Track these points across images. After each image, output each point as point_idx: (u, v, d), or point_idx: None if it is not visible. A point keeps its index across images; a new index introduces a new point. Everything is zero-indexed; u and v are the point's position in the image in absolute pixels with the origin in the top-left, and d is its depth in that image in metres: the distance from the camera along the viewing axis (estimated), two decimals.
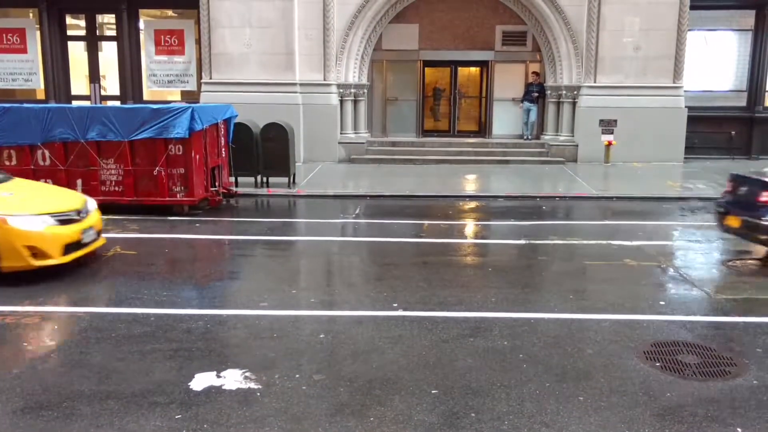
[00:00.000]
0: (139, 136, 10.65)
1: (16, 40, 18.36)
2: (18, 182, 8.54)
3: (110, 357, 5.30)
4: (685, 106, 16.89)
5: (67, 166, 10.94)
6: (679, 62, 16.79)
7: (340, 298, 7.08)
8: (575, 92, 17.16)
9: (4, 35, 18.37)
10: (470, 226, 11.09)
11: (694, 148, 17.37)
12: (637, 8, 16.56)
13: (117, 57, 18.27)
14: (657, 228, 10.48)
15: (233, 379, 4.90)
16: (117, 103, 17.70)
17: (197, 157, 10.98)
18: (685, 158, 16.98)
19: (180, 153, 10.78)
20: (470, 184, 14.64)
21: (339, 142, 17.40)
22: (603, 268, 8.28)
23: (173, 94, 18.65)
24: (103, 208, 10.90)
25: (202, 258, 8.95)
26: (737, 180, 8.46)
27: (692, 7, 16.56)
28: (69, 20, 18.79)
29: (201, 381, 4.86)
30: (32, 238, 7.11)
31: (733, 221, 8.23)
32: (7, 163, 11.02)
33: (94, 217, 8.09)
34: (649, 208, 12.12)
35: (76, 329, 5.88)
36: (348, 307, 6.57)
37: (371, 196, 12.92)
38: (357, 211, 11.76)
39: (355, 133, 17.93)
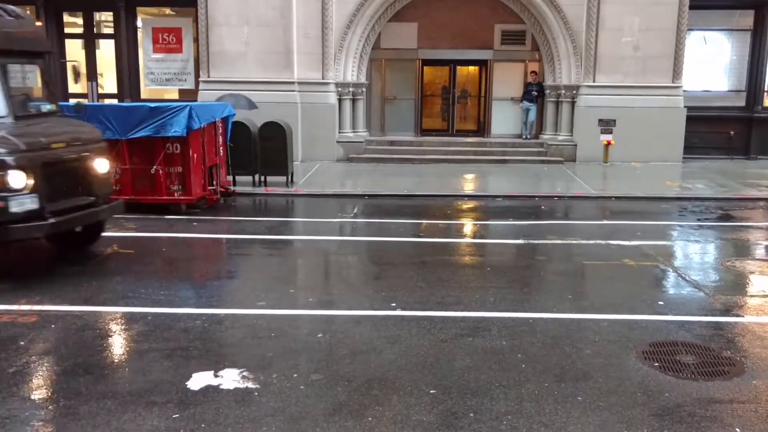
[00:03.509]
0: (137, 135, 10.61)
1: None
2: None
3: (107, 356, 5.28)
4: (684, 106, 16.89)
5: None
6: (678, 62, 16.78)
7: (338, 298, 7.06)
8: (574, 92, 17.15)
9: None
10: (469, 225, 11.07)
11: (693, 148, 17.36)
12: (636, 8, 16.54)
13: (114, 55, 18.24)
14: (656, 228, 10.47)
15: (231, 378, 4.88)
16: (114, 101, 17.65)
17: (195, 155, 10.95)
18: (684, 158, 16.98)
19: (177, 151, 10.75)
20: (469, 183, 14.63)
21: (337, 141, 17.37)
22: (602, 268, 8.27)
23: (171, 93, 18.61)
24: None
25: (199, 257, 8.93)
26: None
27: (691, 7, 16.55)
28: (66, 18, 18.73)
29: (198, 380, 4.84)
30: None
31: None
32: None
33: None
34: (647, 208, 12.12)
35: (73, 328, 5.86)
36: (346, 306, 6.55)
37: (369, 196, 12.90)
38: (355, 211, 11.74)
39: (354, 132, 17.90)
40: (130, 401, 4.53)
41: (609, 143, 16.62)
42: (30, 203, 6.94)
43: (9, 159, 6.79)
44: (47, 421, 4.28)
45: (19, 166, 6.83)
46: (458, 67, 19.22)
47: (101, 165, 8.00)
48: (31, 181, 6.91)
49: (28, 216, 6.93)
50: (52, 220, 7.13)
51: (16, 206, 6.81)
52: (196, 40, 17.58)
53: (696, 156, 17.37)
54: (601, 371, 5.06)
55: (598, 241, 9.36)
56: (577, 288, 7.59)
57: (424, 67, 19.08)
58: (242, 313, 6.25)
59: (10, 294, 6.65)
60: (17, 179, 6.81)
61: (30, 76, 8.40)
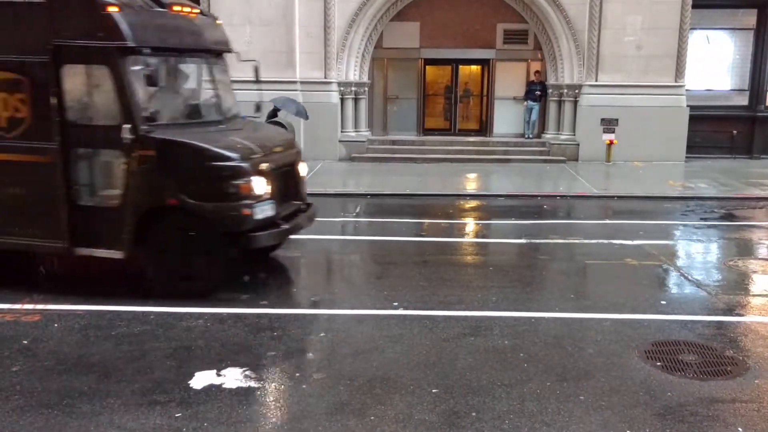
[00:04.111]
0: None
1: None
2: None
3: (110, 355, 5.29)
4: (687, 106, 16.86)
5: None
6: (680, 61, 16.74)
7: (340, 297, 7.07)
8: (577, 91, 17.12)
9: None
10: (471, 225, 11.07)
11: (696, 147, 17.32)
12: (639, 7, 16.51)
13: None
14: (658, 227, 10.46)
15: (233, 377, 4.89)
16: None
17: None
18: (686, 157, 16.94)
19: None
20: (471, 182, 14.62)
21: (339, 141, 17.37)
22: (604, 267, 8.26)
23: None
24: None
25: None
26: None
27: (694, 6, 16.51)
28: None
29: (201, 379, 4.85)
30: None
31: None
32: None
33: None
34: (650, 207, 12.10)
35: (76, 327, 5.87)
36: (348, 305, 6.56)
37: (372, 195, 12.90)
38: (357, 210, 11.75)
39: (356, 131, 17.90)
40: (132, 400, 4.54)
41: (611, 143, 16.58)
42: (269, 209, 6.63)
43: (249, 165, 6.45)
44: (51, 419, 4.29)
45: (259, 172, 6.52)
46: (460, 67, 19.19)
47: (304, 168, 7.79)
48: (269, 187, 6.62)
49: (266, 223, 6.64)
50: (285, 226, 6.90)
51: (260, 213, 6.49)
52: None
53: (698, 155, 17.33)
54: (603, 371, 5.06)
55: (601, 241, 9.34)
56: (580, 287, 7.59)
57: (427, 67, 19.06)
58: (244, 312, 6.25)
59: (14, 293, 6.63)
60: (260, 185, 6.50)
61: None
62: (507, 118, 18.76)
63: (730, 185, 13.89)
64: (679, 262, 8.45)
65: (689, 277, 7.61)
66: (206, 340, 5.60)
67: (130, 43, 6.24)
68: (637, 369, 5.09)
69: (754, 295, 7.13)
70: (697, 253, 9.06)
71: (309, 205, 7.82)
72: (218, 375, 4.92)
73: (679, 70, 16.79)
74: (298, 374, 4.95)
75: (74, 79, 6.55)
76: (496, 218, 11.25)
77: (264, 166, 6.63)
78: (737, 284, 7.48)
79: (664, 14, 16.49)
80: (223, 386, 4.75)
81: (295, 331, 5.83)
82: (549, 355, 5.34)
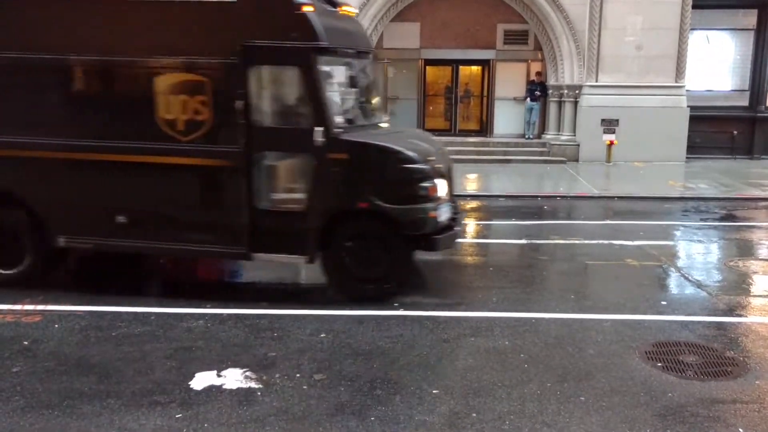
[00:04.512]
0: None
1: None
2: None
3: (110, 356, 5.29)
4: (687, 106, 16.87)
5: None
6: (681, 62, 16.76)
7: (340, 297, 7.06)
8: (577, 91, 17.13)
9: None
10: (471, 225, 11.06)
11: (696, 147, 17.34)
12: (639, 7, 16.53)
13: None
14: (658, 228, 10.46)
15: (234, 378, 4.89)
16: None
17: None
18: (687, 158, 16.96)
19: None
20: (471, 183, 14.62)
21: None
22: (604, 267, 8.26)
23: None
24: None
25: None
26: None
27: (694, 7, 16.53)
28: None
29: (201, 380, 4.85)
30: None
31: None
32: None
33: None
34: (650, 207, 12.10)
35: (77, 328, 5.87)
36: (348, 306, 6.55)
37: None
38: None
39: None
40: (133, 401, 4.54)
41: (612, 143, 16.60)
42: (447, 212, 6.58)
43: (430, 167, 6.36)
44: (51, 420, 4.29)
45: (440, 174, 6.47)
46: (461, 67, 19.21)
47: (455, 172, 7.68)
48: (447, 190, 6.59)
49: (443, 226, 6.54)
50: (457, 229, 6.85)
51: (442, 215, 6.43)
52: None
53: (699, 156, 17.34)
54: (603, 371, 5.06)
55: (601, 241, 9.34)
56: (580, 288, 7.58)
57: (427, 67, 19.08)
58: (245, 313, 6.25)
59: (14, 294, 6.64)
60: (442, 188, 6.42)
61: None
62: (507, 119, 18.77)
63: (731, 186, 13.90)
64: (680, 263, 8.45)
65: (690, 278, 7.61)
66: (207, 341, 5.60)
67: (325, 44, 6.11)
68: (637, 369, 5.09)
69: (754, 296, 7.13)
70: (697, 254, 9.06)
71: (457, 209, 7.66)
72: (219, 376, 4.92)
73: (680, 71, 16.81)
74: (298, 375, 4.95)
75: (262, 81, 6.36)
76: (497, 218, 11.25)
77: (440, 168, 6.57)
78: (738, 285, 7.48)
79: (664, 14, 16.51)
80: (224, 387, 4.76)
81: (295, 332, 5.82)
82: (549, 355, 5.34)
